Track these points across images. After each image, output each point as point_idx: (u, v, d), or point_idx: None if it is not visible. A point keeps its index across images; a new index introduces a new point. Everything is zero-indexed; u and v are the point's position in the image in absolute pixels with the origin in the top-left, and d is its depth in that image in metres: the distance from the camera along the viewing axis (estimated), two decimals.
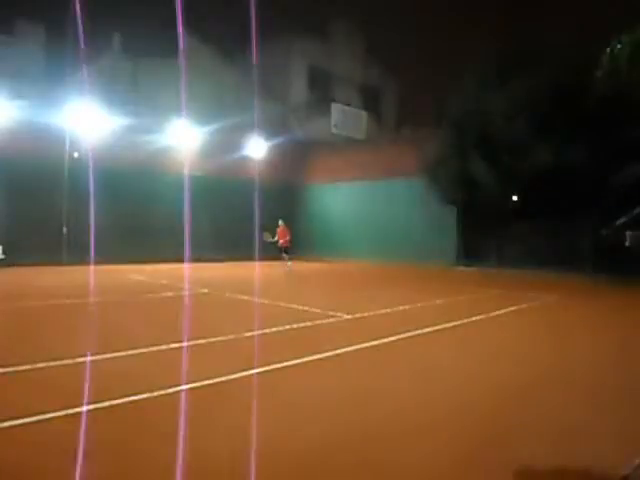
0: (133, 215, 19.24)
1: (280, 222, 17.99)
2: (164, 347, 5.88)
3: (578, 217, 16.70)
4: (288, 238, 17.65)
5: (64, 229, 18.04)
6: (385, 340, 6.54)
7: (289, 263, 17.23)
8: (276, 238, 17.58)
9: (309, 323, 7.65)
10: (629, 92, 14.35)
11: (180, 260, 17.69)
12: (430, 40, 27.78)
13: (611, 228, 15.82)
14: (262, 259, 20.95)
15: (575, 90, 15.82)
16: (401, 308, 9.50)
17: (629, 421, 3.96)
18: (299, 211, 26.01)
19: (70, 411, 3.79)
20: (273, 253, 18.37)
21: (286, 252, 17.46)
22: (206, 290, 11.68)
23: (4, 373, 4.80)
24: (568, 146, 15.60)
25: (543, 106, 16.02)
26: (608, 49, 14.96)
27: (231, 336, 6.55)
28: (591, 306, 10.92)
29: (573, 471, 3.11)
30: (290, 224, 18.53)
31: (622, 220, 15.50)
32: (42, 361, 5.10)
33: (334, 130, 26.88)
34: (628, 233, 15.13)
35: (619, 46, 14.72)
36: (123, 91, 20.72)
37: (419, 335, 7.03)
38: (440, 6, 28.03)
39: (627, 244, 14.99)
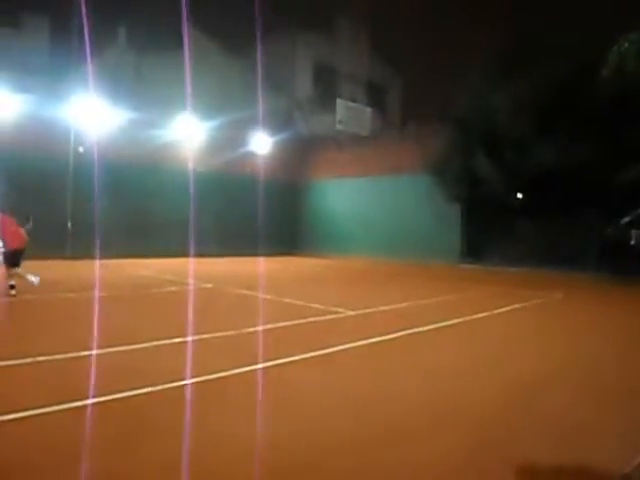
0: (137, 210, 19.28)
1: None
2: (167, 342, 5.89)
3: (583, 215, 16.64)
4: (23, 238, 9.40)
5: (69, 223, 18.08)
6: (388, 337, 6.53)
7: (33, 279, 9.34)
8: None
9: (312, 319, 7.65)
10: (635, 91, 14.27)
11: (185, 255, 17.72)
12: (435, 37, 27.67)
13: (616, 226, 15.75)
14: (266, 255, 20.98)
15: (580, 88, 15.75)
16: (404, 305, 9.49)
17: (631, 420, 3.94)
18: (303, 207, 26.04)
19: (72, 405, 3.80)
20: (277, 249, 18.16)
21: (15, 262, 9.31)
22: (210, 285, 11.70)
23: (5, 366, 4.82)
24: (573, 144, 15.53)
25: (548, 104, 15.95)
26: (615, 47, 14.87)
27: (235, 331, 6.56)
28: (596, 304, 10.88)
29: (575, 470, 3.10)
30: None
31: (627, 218, 15.43)
32: (45, 354, 5.12)
33: (339, 126, 26.84)
34: (633, 232, 15.07)
35: (626, 44, 14.63)
36: (128, 85, 20.74)
37: (422, 332, 7.02)
38: (445, 3, 27.91)
39: (632, 243, 14.93)
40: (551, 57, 16.46)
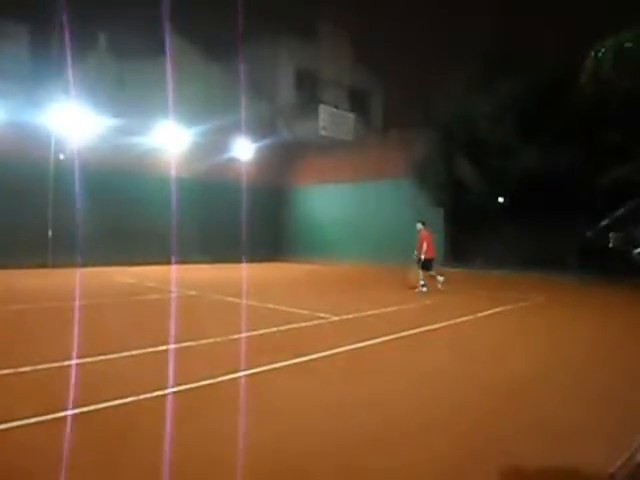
0: (119, 217, 19.11)
1: None
2: (152, 350, 5.84)
3: (563, 218, 16.88)
4: None
5: (49, 231, 17.84)
6: (373, 342, 6.55)
7: None
8: None
9: (297, 325, 7.64)
10: (613, 96, 14.55)
11: (167, 262, 17.61)
12: (417, 42, 27.92)
13: (595, 229, 16.03)
14: (250, 261, 20.92)
15: (561, 93, 16.02)
16: (389, 309, 9.52)
17: (617, 420, 4.00)
18: (287, 213, 26.04)
19: (56, 415, 3.74)
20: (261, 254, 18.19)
21: None
22: (194, 292, 11.63)
23: None
24: (554, 148, 15.78)
25: (529, 109, 16.20)
26: (592, 53, 15.16)
27: (219, 338, 6.52)
28: (578, 306, 11.03)
29: (562, 470, 3.13)
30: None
31: (605, 222, 15.71)
32: (27, 365, 5.04)
33: (322, 132, 26.88)
34: (612, 234, 15.35)
35: (603, 50, 14.91)
36: (109, 92, 20.56)
37: (407, 336, 7.05)
38: (427, 9, 28.20)
39: (611, 245, 15.21)
40: (532, 63, 16.74)
